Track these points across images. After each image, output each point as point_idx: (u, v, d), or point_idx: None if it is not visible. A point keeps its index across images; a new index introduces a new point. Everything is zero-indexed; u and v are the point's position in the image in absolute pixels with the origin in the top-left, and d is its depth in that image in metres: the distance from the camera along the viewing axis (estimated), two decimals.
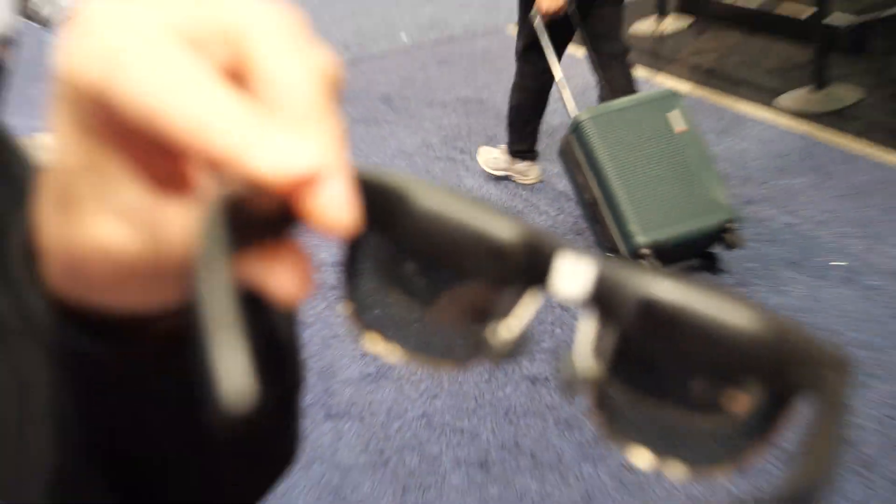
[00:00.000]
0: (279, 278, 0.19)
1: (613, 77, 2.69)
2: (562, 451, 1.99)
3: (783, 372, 0.19)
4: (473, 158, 3.15)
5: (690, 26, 4.25)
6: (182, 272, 0.21)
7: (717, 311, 0.19)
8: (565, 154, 2.41)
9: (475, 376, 2.29)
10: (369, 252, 0.22)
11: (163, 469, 0.33)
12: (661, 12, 4.16)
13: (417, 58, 4.56)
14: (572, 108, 2.52)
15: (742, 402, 0.20)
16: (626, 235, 2.21)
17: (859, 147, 3.00)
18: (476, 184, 3.19)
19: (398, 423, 2.13)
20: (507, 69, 3.21)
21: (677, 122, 2.29)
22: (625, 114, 2.32)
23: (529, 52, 2.69)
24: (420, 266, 0.22)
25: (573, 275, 0.20)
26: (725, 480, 2.04)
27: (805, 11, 3.60)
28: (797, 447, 0.18)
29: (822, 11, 3.21)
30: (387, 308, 0.23)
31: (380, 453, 2.04)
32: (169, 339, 0.26)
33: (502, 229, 0.20)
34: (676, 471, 0.21)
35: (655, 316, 0.19)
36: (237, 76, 0.18)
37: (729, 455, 0.21)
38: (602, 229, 2.34)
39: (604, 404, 0.21)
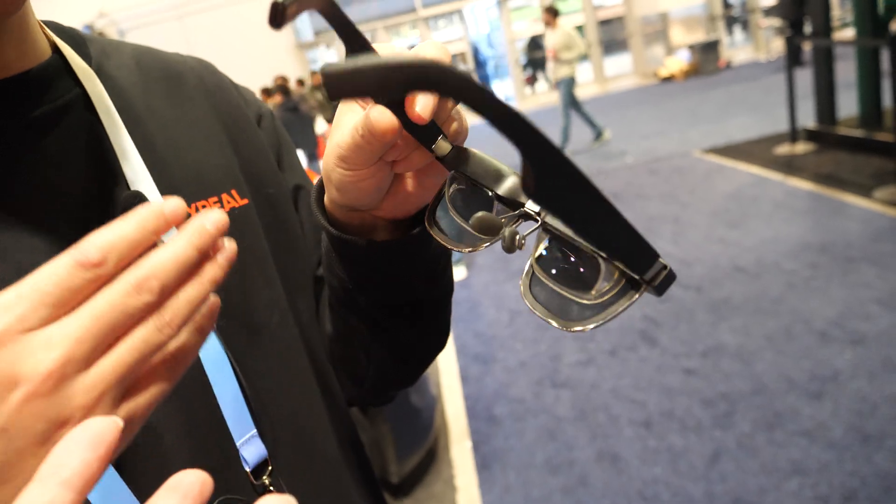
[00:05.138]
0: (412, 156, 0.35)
1: None
2: (702, 420, 2.25)
3: (629, 269, 0.27)
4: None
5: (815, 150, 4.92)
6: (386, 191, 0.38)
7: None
8: None
9: (650, 371, 2.56)
10: (447, 187, 0.33)
11: (383, 312, 0.46)
12: (793, 139, 5.03)
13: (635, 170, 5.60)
14: None
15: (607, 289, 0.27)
16: None
17: None
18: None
19: (595, 393, 2.53)
20: (692, 176, 4.10)
21: None
22: None
23: None
24: (469, 195, 0.32)
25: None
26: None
27: (890, 137, 4.01)
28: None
29: None
30: (446, 218, 0.34)
31: (581, 411, 2.44)
32: (388, 239, 0.42)
33: (512, 176, 0.32)
34: (556, 323, 0.28)
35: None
36: None
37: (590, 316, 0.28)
38: None
39: (531, 290, 0.30)
